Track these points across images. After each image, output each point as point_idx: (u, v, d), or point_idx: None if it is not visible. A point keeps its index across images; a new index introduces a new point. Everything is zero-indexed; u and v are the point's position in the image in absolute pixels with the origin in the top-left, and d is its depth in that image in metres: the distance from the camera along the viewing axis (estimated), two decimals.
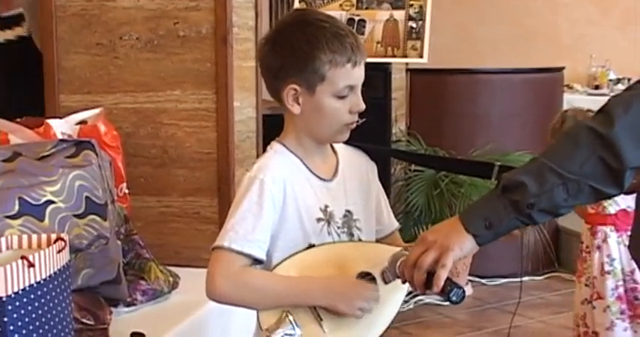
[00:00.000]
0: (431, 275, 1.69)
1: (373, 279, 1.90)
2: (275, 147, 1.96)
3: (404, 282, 1.79)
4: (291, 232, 1.89)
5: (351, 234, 1.96)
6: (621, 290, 3.31)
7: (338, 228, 1.94)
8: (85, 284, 2.30)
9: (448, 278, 1.68)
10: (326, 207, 1.93)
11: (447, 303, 5.07)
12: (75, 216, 2.29)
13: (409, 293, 2.01)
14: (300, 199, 1.89)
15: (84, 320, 2.26)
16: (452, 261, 1.66)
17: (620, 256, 3.34)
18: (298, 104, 1.89)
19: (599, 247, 3.36)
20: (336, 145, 2.02)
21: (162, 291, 2.67)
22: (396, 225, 2.11)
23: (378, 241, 2.04)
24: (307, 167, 1.94)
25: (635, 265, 3.28)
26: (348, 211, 1.97)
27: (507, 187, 1.65)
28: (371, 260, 1.90)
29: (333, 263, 1.88)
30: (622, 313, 3.30)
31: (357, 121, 1.94)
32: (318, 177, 1.94)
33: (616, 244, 3.35)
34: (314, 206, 1.91)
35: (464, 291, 1.70)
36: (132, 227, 2.73)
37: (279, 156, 1.93)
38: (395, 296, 1.94)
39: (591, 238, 3.39)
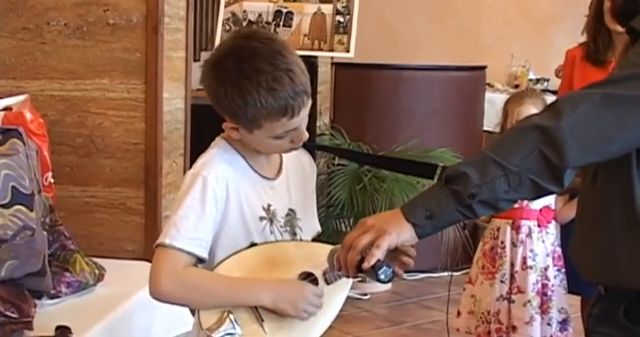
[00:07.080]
0: (364, 258, 1.67)
1: (315, 280, 1.91)
2: (219, 143, 1.93)
3: (339, 269, 1.77)
4: (233, 230, 1.87)
5: (294, 233, 1.96)
6: (540, 285, 3.39)
7: (281, 226, 1.93)
8: (8, 275, 2.25)
9: (380, 260, 1.66)
10: (269, 205, 1.92)
11: (367, 297, 5.04)
12: (0, 206, 2.23)
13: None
14: (242, 197, 1.88)
15: (7, 313, 2.22)
16: (387, 244, 1.65)
17: (539, 252, 3.42)
18: (238, 132, 1.87)
19: (522, 242, 3.42)
20: None
21: (87, 283, 2.63)
22: (318, 228, 2.11)
23: None
24: (250, 166, 1.92)
25: (549, 262, 3.38)
26: (291, 210, 1.97)
27: (450, 178, 1.66)
28: (313, 260, 1.90)
29: (276, 262, 1.88)
30: (539, 307, 3.37)
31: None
32: (261, 175, 1.93)
33: (536, 240, 3.42)
34: (256, 204, 1.90)
35: (393, 271, 1.69)
36: (57, 217, 2.68)
37: (223, 154, 1.90)
38: (336, 298, 1.95)
39: (513, 233, 3.45)
